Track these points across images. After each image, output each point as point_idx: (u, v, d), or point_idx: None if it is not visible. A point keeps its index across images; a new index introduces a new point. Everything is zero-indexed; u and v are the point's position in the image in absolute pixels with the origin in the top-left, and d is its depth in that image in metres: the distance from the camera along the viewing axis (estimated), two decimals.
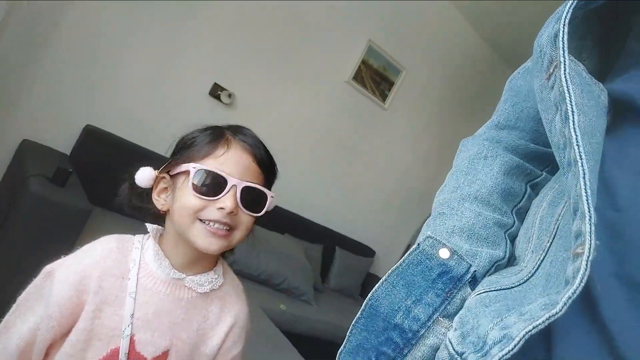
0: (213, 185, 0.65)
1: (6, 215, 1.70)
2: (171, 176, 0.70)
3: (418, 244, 0.49)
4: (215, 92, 2.63)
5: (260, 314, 2.05)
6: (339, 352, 0.49)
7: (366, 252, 3.51)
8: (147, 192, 0.72)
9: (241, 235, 0.69)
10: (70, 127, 2.29)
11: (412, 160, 3.65)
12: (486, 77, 3.80)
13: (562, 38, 0.38)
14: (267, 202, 0.70)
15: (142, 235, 0.73)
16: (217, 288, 0.72)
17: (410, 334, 0.45)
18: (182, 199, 0.66)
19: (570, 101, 0.36)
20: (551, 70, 0.39)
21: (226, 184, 0.65)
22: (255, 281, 2.46)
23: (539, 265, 0.42)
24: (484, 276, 0.47)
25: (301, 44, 2.85)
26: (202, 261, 0.71)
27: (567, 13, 0.38)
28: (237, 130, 0.71)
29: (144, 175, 0.70)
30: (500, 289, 0.43)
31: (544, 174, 0.56)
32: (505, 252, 0.49)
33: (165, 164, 0.72)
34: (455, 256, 0.47)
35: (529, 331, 0.34)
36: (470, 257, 0.47)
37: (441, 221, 0.52)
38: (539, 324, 0.34)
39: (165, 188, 0.71)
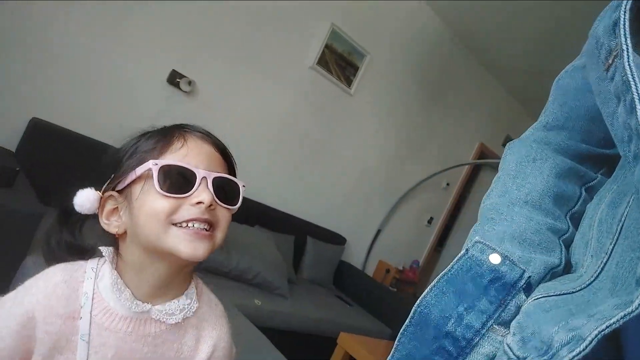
0: (180, 181, 0.56)
1: None
2: (120, 192, 0.59)
3: (466, 250, 0.46)
4: (174, 79, 2.47)
5: (236, 312, 1.97)
6: None
7: (337, 239, 3.47)
8: (80, 224, 0.61)
9: (223, 234, 0.60)
10: (14, 121, 2.08)
11: (378, 146, 3.63)
12: (449, 62, 3.82)
13: (624, 25, 0.36)
14: (241, 193, 0.62)
15: (96, 260, 0.60)
16: (191, 315, 0.62)
17: (464, 342, 0.42)
18: (145, 207, 0.56)
19: (637, 89, 0.33)
20: (610, 61, 0.38)
21: (195, 177, 0.56)
22: (227, 277, 2.35)
23: (602, 269, 0.40)
24: (539, 283, 0.44)
25: (264, 29, 2.73)
26: (171, 285, 0.60)
27: (626, 1, 0.37)
28: (184, 126, 0.62)
29: (86, 197, 0.58)
30: (560, 294, 0.41)
31: (599, 176, 0.53)
32: (561, 258, 0.47)
33: (107, 181, 0.60)
34: (507, 262, 0.44)
35: (602, 330, 0.33)
36: (523, 263, 0.44)
37: (490, 226, 0.49)
38: (613, 323, 0.32)
39: (115, 208, 0.60)
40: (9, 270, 1.43)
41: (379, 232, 3.87)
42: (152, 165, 0.55)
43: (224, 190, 0.59)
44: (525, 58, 3.63)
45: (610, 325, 0.32)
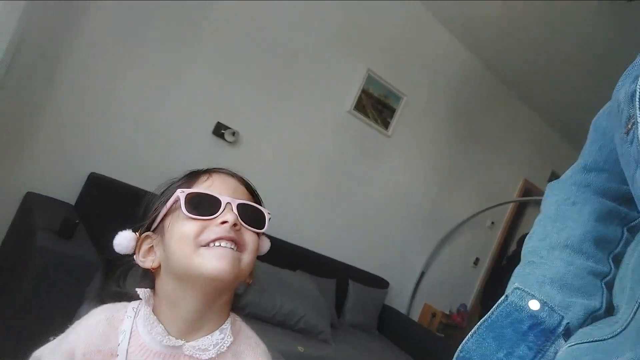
0: (207, 206, 0.60)
1: (13, 271, 1.65)
2: (155, 230, 0.64)
3: (506, 296, 0.47)
4: (219, 131, 2.61)
5: (278, 357, 1.96)
6: None
7: (379, 283, 3.41)
8: (124, 274, 0.66)
9: (250, 257, 0.61)
10: (74, 176, 2.25)
11: (418, 185, 3.61)
12: (486, 98, 3.81)
13: (639, 99, 0.37)
14: (266, 220, 0.65)
15: (139, 301, 0.63)
16: (225, 350, 0.61)
17: None
18: (175, 233, 0.60)
19: None
20: (629, 127, 0.39)
21: (220, 203, 0.60)
22: (270, 323, 2.36)
23: (632, 318, 0.40)
24: (579, 327, 0.45)
25: (301, 76, 2.86)
26: (205, 320, 0.61)
27: None
28: (212, 169, 0.68)
29: (123, 237, 0.63)
30: (592, 341, 0.41)
31: None
32: (602, 302, 0.47)
33: (142, 224, 0.66)
34: (547, 308, 0.45)
35: None
36: (562, 308, 0.45)
37: (530, 270, 0.50)
38: None
39: (151, 247, 0.64)
40: (66, 316, 1.52)
41: (422, 274, 3.78)
42: (180, 193, 0.60)
43: (249, 215, 0.62)
44: (564, 90, 3.57)
45: None
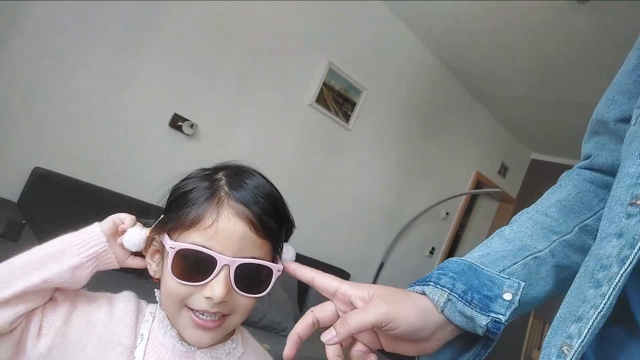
0: (198, 266, 0.52)
1: None
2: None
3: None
4: (176, 123, 2.49)
5: None
6: None
7: (340, 275, 3.42)
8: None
9: (239, 319, 0.58)
10: (16, 171, 2.07)
11: (378, 179, 3.65)
12: (443, 96, 3.90)
13: None
14: (273, 278, 0.56)
15: (155, 305, 0.62)
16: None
17: None
18: (165, 281, 0.55)
19: None
20: None
21: (215, 264, 0.52)
22: None
23: None
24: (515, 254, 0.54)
25: (262, 68, 2.78)
26: None
27: None
28: (234, 183, 0.57)
29: (133, 239, 0.57)
30: None
31: None
32: (545, 248, 0.54)
33: (157, 219, 0.59)
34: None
35: None
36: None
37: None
38: None
39: (158, 250, 0.59)
40: None
41: (382, 265, 3.85)
42: (169, 249, 0.53)
43: (250, 276, 0.55)
44: (514, 88, 3.73)
45: None
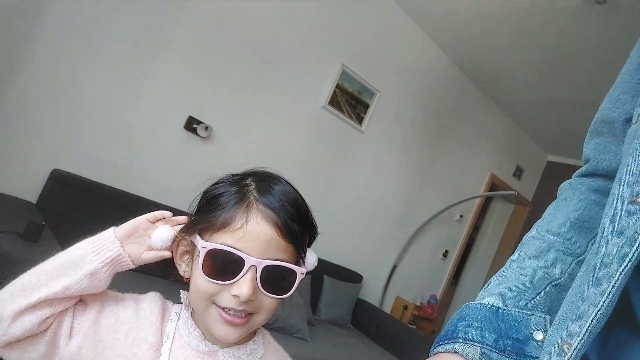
0: (227, 266, 0.55)
1: None
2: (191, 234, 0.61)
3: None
4: (191, 125, 2.52)
5: None
6: None
7: (354, 277, 3.43)
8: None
9: (263, 318, 0.60)
10: (35, 173, 2.11)
11: (391, 181, 3.64)
12: (457, 97, 3.87)
13: None
14: (297, 280, 0.59)
15: (180, 305, 0.64)
16: None
17: None
18: (195, 279, 0.58)
19: None
20: None
21: (243, 264, 0.55)
22: None
23: None
24: (538, 292, 0.53)
25: (275, 71, 2.80)
26: None
27: None
28: (263, 188, 0.59)
29: (161, 236, 0.60)
30: None
31: None
32: (564, 273, 0.53)
33: (187, 222, 0.61)
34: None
35: None
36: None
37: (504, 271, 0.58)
38: None
39: (187, 251, 0.61)
40: None
41: (394, 267, 3.83)
42: (201, 248, 0.56)
43: (275, 277, 0.57)
44: (530, 89, 3.68)
45: None
